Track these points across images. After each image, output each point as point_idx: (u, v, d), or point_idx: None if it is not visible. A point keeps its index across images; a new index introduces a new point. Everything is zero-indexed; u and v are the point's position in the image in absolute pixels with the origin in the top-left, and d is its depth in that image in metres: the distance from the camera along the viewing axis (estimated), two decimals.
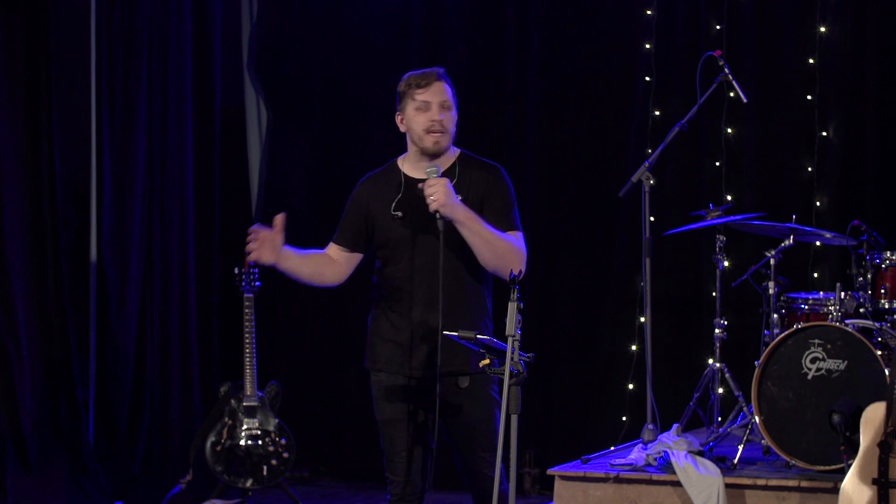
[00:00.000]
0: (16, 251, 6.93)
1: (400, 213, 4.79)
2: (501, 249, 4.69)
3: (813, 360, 6.20)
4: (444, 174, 4.75)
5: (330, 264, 4.95)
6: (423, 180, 4.71)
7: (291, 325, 8.63)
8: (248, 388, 7.32)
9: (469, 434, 4.87)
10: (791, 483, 5.97)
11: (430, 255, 4.72)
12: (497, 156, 8.18)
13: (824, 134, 7.57)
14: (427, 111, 4.74)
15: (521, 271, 4.60)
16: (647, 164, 6.41)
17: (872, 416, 5.51)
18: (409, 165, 4.87)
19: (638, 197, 6.45)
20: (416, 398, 4.84)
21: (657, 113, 7.83)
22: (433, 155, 4.77)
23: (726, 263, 6.83)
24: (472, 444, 4.88)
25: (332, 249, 4.97)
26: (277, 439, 7.33)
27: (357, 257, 4.96)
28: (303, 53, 8.67)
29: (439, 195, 4.57)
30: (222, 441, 7.28)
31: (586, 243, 8.07)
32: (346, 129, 8.58)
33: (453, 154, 4.86)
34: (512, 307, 4.40)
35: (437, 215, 4.62)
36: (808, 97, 7.57)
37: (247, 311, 7.37)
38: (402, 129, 4.87)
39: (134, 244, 7.61)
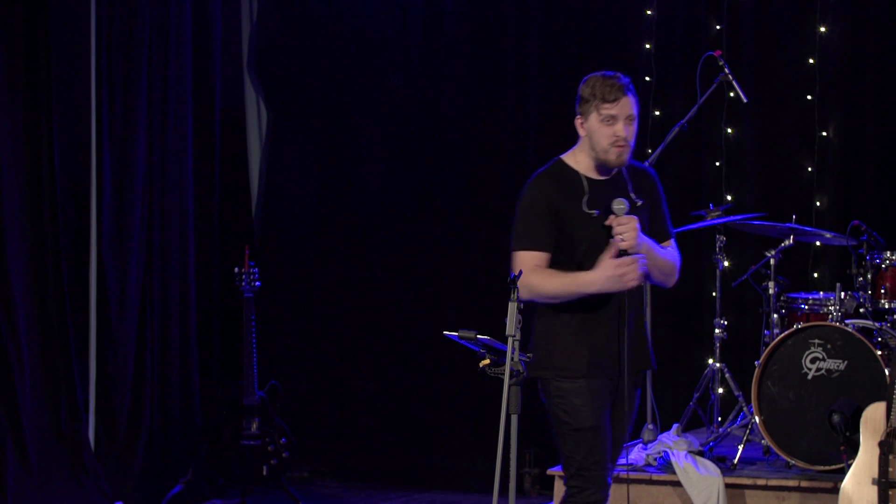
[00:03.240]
0: (16, 251, 6.92)
1: (596, 213, 4.66)
2: (668, 269, 4.75)
3: (813, 360, 6.21)
4: (617, 176, 4.72)
5: None
6: (603, 182, 4.70)
7: (291, 325, 8.63)
8: (248, 388, 7.33)
9: (621, 434, 4.78)
10: (791, 483, 5.97)
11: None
12: (497, 155, 8.24)
13: (824, 134, 7.57)
14: (613, 125, 4.64)
15: (672, 284, 4.78)
16: (647, 164, 6.41)
17: (872, 416, 5.52)
18: (584, 166, 4.74)
19: None
20: (610, 400, 4.70)
21: (657, 113, 7.83)
22: (615, 167, 4.71)
23: (726, 263, 6.84)
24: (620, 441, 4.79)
25: (538, 258, 4.69)
26: (277, 439, 7.34)
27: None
28: (303, 53, 8.66)
29: (630, 237, 4.53)
30: (222, 441, 7.28)
31: None
32: (346, 129, 8.58)
33: None
34: (512, 307, 4.39)
35: (623, 254, 4.55)
36: (808, 97, 7.58)
37: (247, 311, 7.37)
38: (582, 133, 4.73)
39: (134, 244, 7.60)
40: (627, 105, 4.66)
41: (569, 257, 4.67)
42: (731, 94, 7.22)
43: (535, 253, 4.68)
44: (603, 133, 4.65)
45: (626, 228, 4.54)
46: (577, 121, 4.73)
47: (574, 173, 4.73)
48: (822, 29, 7.56)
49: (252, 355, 7.35)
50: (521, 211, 4.76)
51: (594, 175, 4.72)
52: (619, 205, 4.56)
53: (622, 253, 4.55)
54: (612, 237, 4.57)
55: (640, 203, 4.70)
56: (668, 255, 4.76)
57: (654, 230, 4.76)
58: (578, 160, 4.75)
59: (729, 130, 7.73)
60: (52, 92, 7.08)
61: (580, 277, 4.59)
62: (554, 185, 4.72)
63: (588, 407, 4.64)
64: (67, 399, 7.18)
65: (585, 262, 4.63)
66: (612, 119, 4.64)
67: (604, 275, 4.53)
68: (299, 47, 8.67)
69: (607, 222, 4.58)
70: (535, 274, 4.62)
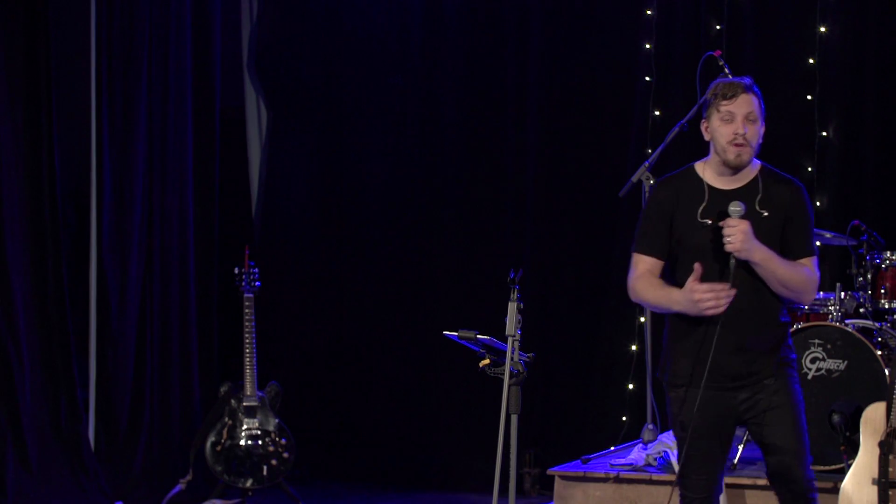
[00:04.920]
0: (16, 251, 6.93)
1: (708, 222, 4.60)
2: (794, 284, 4.58)
3: (813, 360, 6.20)
4: (747, 187, 4.63)
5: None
6: (727, 191, 4.61)
7: (291, 325, 8.63)
8: (248, 388, 7.33)
9: (781, 434, 4.61)
10: None
11: (734, 268, 4.52)
12: (497, 155, 8.24)
13: (824, 134, 7.57)
14: (731, 123, 4.59)
15: (808, 301, 4.62)
16: (647, 164, 6.40)
17: (872, 416, 5.52)
18: (710, 174, 4.70)
19: (638, 197, 6.46)
20: (723, 410, 4.61)
21: (657, 113, 7.83)
22: (735, 168, 4.63)
23: None
24: (785, 442, 4.61)
25: (649, 263, 4.67)
26: (277, 439, 7.34)
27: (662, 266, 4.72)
28: (303, 53, 8.67)
29: (737, 239, 4.45)
30: (222, 441, 7.28)
31: (586, 243, 8.07)
32: (346, 129, 8.58)
33: (755, 167, 4.69)
34: (512, 307, 4.40)
35: (731, 257, 4.47)
36: (808, 97, 7.58)
37: (247, 311, 7.37)
38: (707, 137, 4.69)
39: (134, 244, 7.61)
40: (746, 102, 4.60)
41: (682, 266, 4.62)
42: None
43: (646, 257, 4.66)
44: (722, 131, 4.61)
45: (734, 231, 4.46)
46: (703, 125, 4.70)
47: (698, 181, 4.69)
48: (822, 29, 7.56)
49: (252, 355, 7.35)
50: (643, 212, 4.78)
51: (719, 184, 4.66)
52: (735, 206, 4.49)
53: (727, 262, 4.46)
54: (722, 242, 4.49)
55: (765, 214, 4.59)
56: (791, 267, 4.57)
57: (786, 246, 4.62)
58: (706, 168, 4.71)
59: None
60: (52, 92, 7.09)
61: (671, 294, 4.55)
62: (674, 191, 4.70)
63: (685, 416, 4.57)
64: (67, 399, 7.18)
65: (692, 271, 4.55)
66: (730, 116, 4.58)
67: (684, 298, 4.49)
68: (299, 47, 8.67)
69: (721, 223, 4.51)
70: (640, 280, 4.63)
